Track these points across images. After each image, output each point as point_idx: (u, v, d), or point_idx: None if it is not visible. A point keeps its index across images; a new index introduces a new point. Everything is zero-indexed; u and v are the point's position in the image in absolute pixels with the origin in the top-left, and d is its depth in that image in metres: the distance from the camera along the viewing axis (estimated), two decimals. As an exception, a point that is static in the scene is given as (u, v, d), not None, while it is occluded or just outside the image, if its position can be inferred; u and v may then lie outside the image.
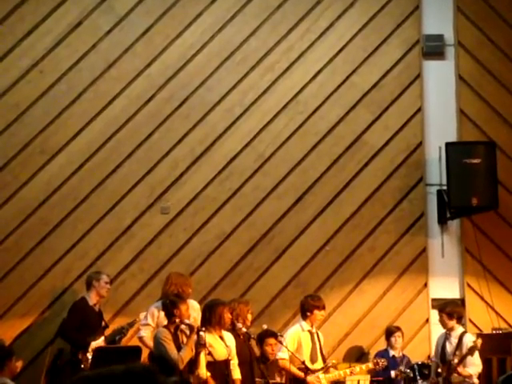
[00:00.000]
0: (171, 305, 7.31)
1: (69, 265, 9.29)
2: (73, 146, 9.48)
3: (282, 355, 8.12)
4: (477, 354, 8.03)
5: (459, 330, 8.23)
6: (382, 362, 8.32)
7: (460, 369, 8.00)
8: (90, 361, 7.76)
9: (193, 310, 7.99)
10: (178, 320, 7.24)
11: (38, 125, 9.46)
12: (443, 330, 8.52)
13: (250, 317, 8.15)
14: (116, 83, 9.64)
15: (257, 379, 7.71)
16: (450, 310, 8.31)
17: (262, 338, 8.18)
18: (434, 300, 9.54)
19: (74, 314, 8.32)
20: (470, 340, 8.07)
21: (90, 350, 7.97)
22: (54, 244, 9.32)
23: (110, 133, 9.56)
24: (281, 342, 8.00)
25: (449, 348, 8.22)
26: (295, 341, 8.23)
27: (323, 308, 8.39)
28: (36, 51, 9.58)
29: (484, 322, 9.36)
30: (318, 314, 8.36)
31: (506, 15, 10.06)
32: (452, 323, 8.24)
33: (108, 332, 8.49)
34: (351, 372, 8.13)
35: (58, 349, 8.27)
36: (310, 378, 7.99)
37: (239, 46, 9.82)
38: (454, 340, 8.16)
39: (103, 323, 8.51)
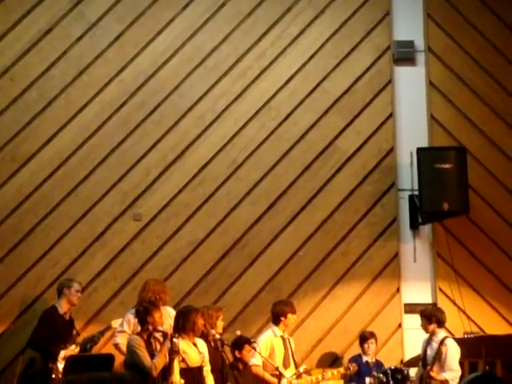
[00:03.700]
0: (144, 312, 7.28)
1: (41, 273, 9.23)
2: (44, 153, 9.44)
3: (255, 361, 8.14)
4: (455, 359, 8.07)
5: (441, 334, 8.24)
6: (353, 367, 8.40)
7: (433, 373, 8.03)
8: (60, 370, 7.70)
9: (169, 317, 7.97)
10: (151, 327, 7.21)
11: (9, 132, 9.41)
12: (416, 335, 8.54)
13: (220, 323, 8.14)
14: (87, 90, 9.61)
15: None
16: (429, 313, 8.34)
17: (240, 344, 8.17)
18: (406, 305, 9.59)
19: (43, 323, 8.26)
20: (450, 346, 8.10)
21: (60, 358, 7.92)
22: (26, 252, 9.26)
23: (81, 139, 9.52)
24: (254, 349, 8.01)
25: (429, 352, 8.25)
26: (268, 347, 8.26)
27: (295, 312, 8.44)
28: (6, 58, 9.52)
29: (456, 326, 9.41)
30: (292, 318, 8.41)
31: (476, 22, 10.15)
32: (432, 327, 8.26)
33: (79, 340, 8.43)
34: (323, 377, 8.17)
35: (29, 358, 8.19)
36: (282, 384, 8.02)
37: (211, 52, 9.83)
38: (435, 345, 8.18)
39: (74, 331, 8.45)
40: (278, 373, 7.89)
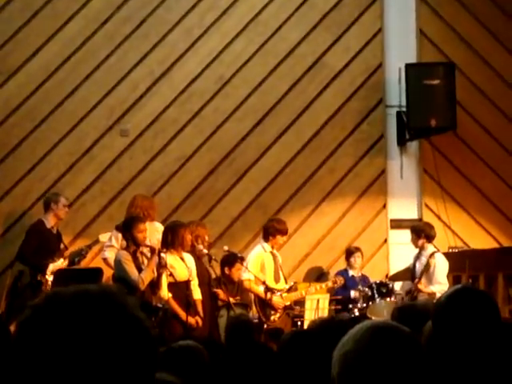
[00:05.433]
0: (125, 227, 7.33)
1: (28, 187, 9.23)
2: (30, 66, 9.31)
3: (248, 276, 8.21)
4: (443, 272, 8.22)
5: (430, 249, 8.39)
6: (340, 280, 8.53)
7: (420, 286, 8.18)
8: (49, 283, 7.79)
9: (157, 232, 8.02)
10: (131, 244, 7.25)
11: (-7, 44, 9.29)
12: (401, 250, 8.66)
13: (207, 239, 8.22)
14: (73, 2, 9.43)
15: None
16: (418, 228, 8.48)
17: (230, 262, 8.25)
18: (392, 221, 9.67)
19: (30, 236, 8.28)
20: (438, 260, 8.25)
21: (48, 272, 7.99)
22: (13, 166, 9.22)
23: (67, 53, 9.38)
24: (243, 265, 8.10)
25: (418, 267, 8.40)
26: (259, 262, 8.33)
27: (286, 233, 8.48)
28: (-11, -32, 9.33)
29: (441, 241, 9.48)
30: (280, 239, 8.45)
31: None
32: (421, 242, 8.40)
33: (67, 254, 8.49)
34: (312, 290, 8.30)
35: (18, 271, 8.27)
36: (275, 298, 8.14)
37: (198, -36, 9.65)
38: (424, 259, 8.33)
39: (62, 245, 8.51)
40: (268, 287, 8.07)
